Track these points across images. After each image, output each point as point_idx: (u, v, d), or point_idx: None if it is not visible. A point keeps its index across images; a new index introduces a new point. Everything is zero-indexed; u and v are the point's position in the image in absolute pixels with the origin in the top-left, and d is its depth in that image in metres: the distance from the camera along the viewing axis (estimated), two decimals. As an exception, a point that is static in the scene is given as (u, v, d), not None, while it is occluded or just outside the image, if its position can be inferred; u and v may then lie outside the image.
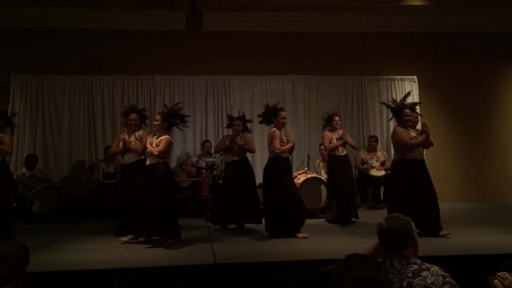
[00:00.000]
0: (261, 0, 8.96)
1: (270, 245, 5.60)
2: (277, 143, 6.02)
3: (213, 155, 8.25)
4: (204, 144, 8.76)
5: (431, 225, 5.79)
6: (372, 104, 9.57)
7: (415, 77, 9.71)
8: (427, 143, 6.13)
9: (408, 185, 5.79)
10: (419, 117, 6.92)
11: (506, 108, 10.12)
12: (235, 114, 7.21)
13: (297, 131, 9.27)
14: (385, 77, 9.70)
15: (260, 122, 6.57)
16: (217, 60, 9.37)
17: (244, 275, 4.57)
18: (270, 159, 6.21)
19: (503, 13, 9.75)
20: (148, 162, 5.77)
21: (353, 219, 7.11)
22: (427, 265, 2.31)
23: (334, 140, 7.14)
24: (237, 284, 4.49)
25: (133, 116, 6.24)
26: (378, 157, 8.96)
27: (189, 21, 9.45)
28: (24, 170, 8.23)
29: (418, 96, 9.57)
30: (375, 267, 1.85)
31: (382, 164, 8.85)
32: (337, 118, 7.30)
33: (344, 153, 7.23)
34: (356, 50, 9.74)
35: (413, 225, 2.44)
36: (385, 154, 9.07)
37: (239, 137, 6.78)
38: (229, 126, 7.04)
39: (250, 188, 6.74)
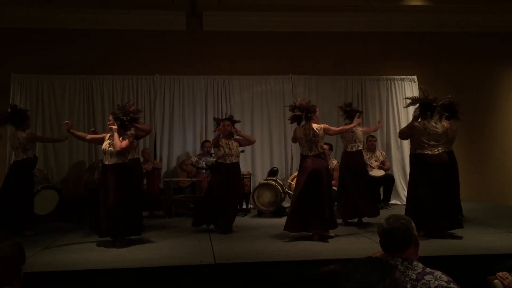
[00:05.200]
0: (261, 0, 8.96)
1: (270, 245, 5.60)
2: None
3: (213, 155, 8.23)
4: (204, 144, 8.75)
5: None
6: (372, 104, 9.56)
7: (415, 77, 9.70)
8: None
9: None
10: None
11: (506, 108, 10.12)
12: (235, 114, 7.16)
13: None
14: (385, 77, 9.68)
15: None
16: (217, 60, 9.36)
17: (244, 275, 4.57)
18: None
19: (503, 13, 9.74)
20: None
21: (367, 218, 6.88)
22: (430, 269, 2.29)
23: (350, 134, 6.98)
24: (237, 284, 4.50)
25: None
26: (377, 157, 8.94)
27: (189, 21, 9.45)
28: (24, 170, 8.20)
29: (417, 96, 9.56)
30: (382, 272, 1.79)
31: (382, 163, 8.84)
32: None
33: (356, 149, 7.07)
34: (356, 50, 9.73)
35: (414, 224, 2.44)
36: (384, 154, 9.06)
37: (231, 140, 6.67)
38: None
39: (237, 190, 6.75)
